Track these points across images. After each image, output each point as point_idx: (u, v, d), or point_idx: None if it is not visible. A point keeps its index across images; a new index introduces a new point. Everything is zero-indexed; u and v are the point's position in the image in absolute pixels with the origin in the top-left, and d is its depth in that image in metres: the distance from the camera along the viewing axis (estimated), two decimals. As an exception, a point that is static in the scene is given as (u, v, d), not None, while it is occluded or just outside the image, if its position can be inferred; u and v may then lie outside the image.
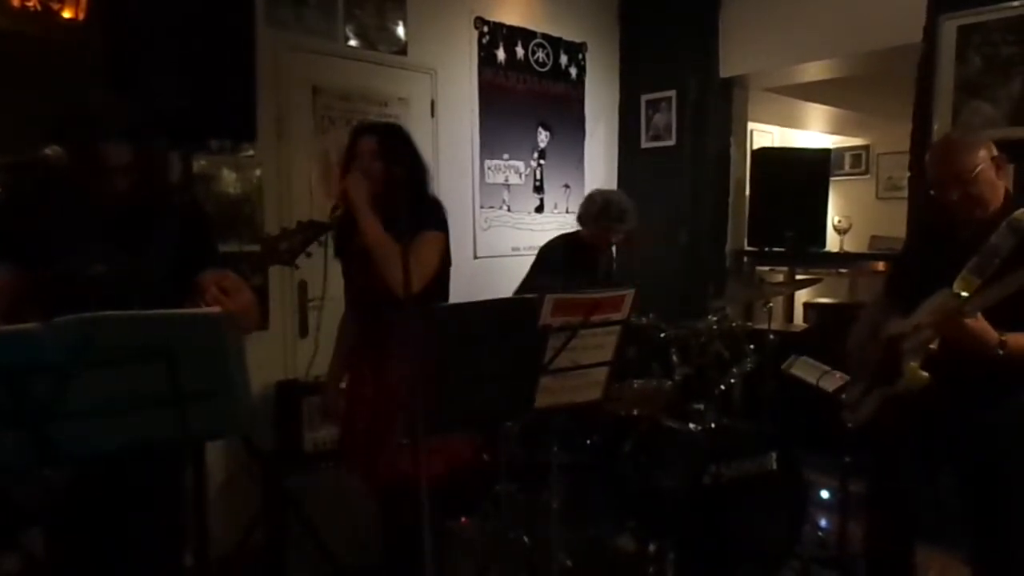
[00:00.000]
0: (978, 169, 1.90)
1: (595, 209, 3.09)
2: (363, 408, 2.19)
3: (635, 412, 2.92)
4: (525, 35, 4.11)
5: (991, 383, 1.89)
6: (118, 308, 1.26)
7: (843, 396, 2.27)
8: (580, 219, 3.19)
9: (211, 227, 1.94)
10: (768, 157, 4.63)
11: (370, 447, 2.15)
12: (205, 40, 2.33)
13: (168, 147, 2.48)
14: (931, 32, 3.36)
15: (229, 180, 2.98)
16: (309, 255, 1.81)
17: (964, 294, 1.84)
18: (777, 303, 4.12)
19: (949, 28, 3.32)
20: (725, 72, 4.27)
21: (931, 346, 1.90)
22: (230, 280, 1.53)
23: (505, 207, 4.07)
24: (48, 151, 1.53)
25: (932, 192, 1.99)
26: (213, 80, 2.35)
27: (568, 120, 4.37)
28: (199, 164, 2.84)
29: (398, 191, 2.03)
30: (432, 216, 2.14)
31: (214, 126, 2.51)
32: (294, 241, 1.75)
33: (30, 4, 2.47)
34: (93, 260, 1.67)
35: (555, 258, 3.18)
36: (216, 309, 1.34)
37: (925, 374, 1.90)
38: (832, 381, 2.66)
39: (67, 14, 2.55)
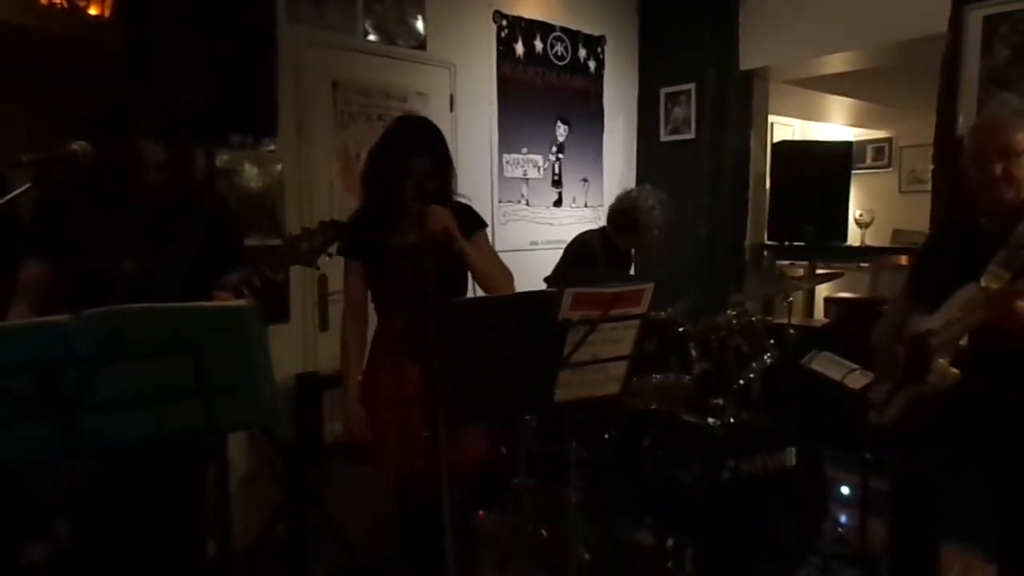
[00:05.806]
0: None
1: (613, 216, 3.24)
2: (407, 405, 2.08)
3: (654, 407, 2.91)
4: (544, 29, 4.10)
5: (1021, 379, 1.86)
6: (144, 302, 1.28)
7: (869, 394, 2.24)
8: (608, 218, 3.30)
9: (235, 227, 1.99)
10: (788, 150, 4.58)
11: (412, 443, 2.05)
12: (227, 37, 2.35)
13: (194, 143, 2.52)
14: (956, 22, 3.30)
15: (251, 175, 3.01)
16: (330, 255, 1.82)
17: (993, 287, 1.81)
18: (797, 297, 4.09)
19: (975, 18, 3.25)
20: (745, 64, 4.23)
21: (960, 342, 1.87)
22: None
23: (524, 201, 4.06)
24: (75, 146, 1.54)
25: (969, 170, 1.95)
26: (235, 76, 2.37)
27: (587, 114, 4.35)
28: (221, 159, 2.86)
29: (448, 194, 2.08)
30: (475, 215, 2.20)
31: (236, 121, 2.53)
32: (315, 241, 1.76)
33: (57, 2, 2.51)
34: (122, 256, 1.71)
35: (593, 254, 3.21)
36: (242, 302, 1.36)
37: (955, 371, 1.87)
38: (857, 379, 2.63)
39: (93, 11, 2.59)
